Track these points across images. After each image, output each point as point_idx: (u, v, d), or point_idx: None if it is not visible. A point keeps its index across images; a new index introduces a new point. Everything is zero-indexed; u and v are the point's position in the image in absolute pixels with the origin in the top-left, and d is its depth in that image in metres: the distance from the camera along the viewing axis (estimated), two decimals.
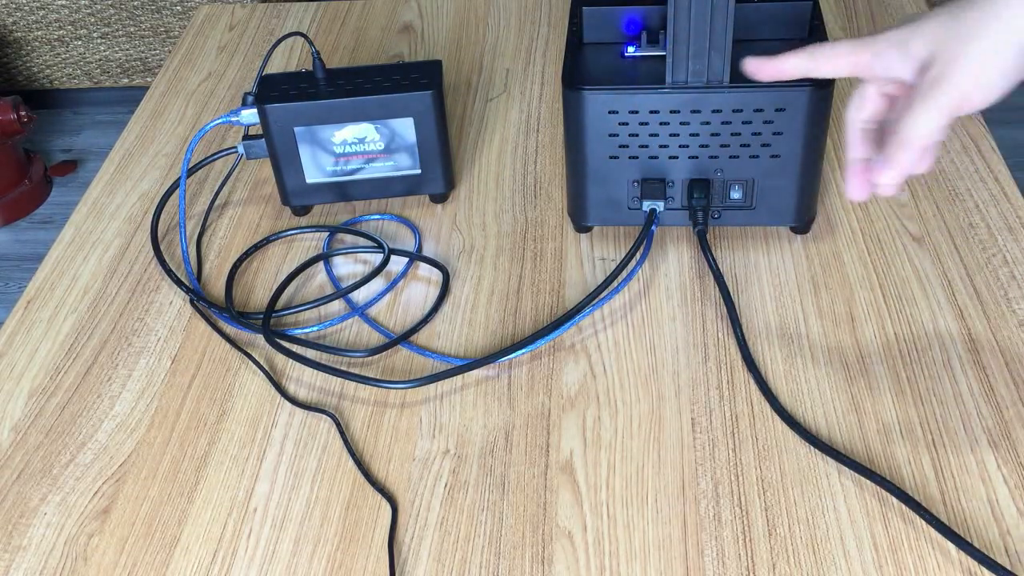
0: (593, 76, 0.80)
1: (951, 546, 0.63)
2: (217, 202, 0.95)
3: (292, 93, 0.87)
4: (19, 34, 2.50)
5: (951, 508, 0.65)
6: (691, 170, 0.82)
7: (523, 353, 0.77)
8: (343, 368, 0.77)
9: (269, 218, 0.94)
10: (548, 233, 0.89)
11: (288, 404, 0.76)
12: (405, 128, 0.87)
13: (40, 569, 0.67)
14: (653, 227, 0.84)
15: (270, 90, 0.87)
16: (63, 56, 2.53)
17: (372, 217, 0.92)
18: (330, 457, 0.72)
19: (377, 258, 0.87)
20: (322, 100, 0.86)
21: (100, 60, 2.54)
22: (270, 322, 0.81)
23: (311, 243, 0.90)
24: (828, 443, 0.69)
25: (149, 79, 2.54)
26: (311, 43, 0.90)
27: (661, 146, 0.81)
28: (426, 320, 0.81)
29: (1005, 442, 0.69)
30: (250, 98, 0.89)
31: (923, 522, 0.64)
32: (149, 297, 0.86)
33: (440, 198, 0.93)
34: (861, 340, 0.76)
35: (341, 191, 0.91)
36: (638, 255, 0.83)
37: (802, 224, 0.85)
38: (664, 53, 0.78)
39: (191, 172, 0.96)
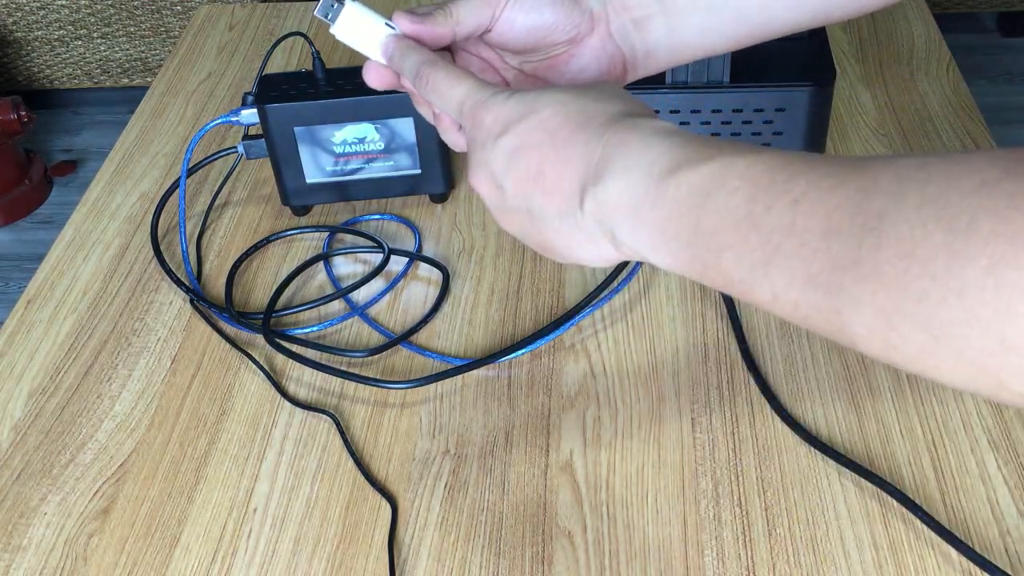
0: None
1: (951, 547, 0.63)
2: (217, 202, 0.95)
3: (292, 93, 0.87)
4: (19, 34, 2.49)
5: (951, 508, 0.65)
6: None
7: (523, 353, 0.77)
8: (343, 368, 0.77)
9: (269, 218, 0.94)
10: None
11: (288, 404, 0.76)
12: (405, 128, 0.87)
13: (40, 569, 0.67)
14: None
15: (270, 90, 0.87)
16: (63, 56, 2.53)
17: (372, 217, 0.92)
18: (330, 457, 0.72)
19: (377, 258, 0.87)
20: (322, 100, 0.86)
21: (100, 60, 2.54)
22: (270, 322, 0.80)
23: (311, 243, 0.90)
24: (828, 443, 0.69)
25: (149, 79, 2.54)
26: (311, 43, 0.90)
27: None
28: (426, 320, 0.81)
29: (1005, 442, 0.69)
30: (250, 98, 0.88)
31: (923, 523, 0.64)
32: (149, 297, 0.86)
33: (440, 198, 0.93)
34: None
35: (341, 191, 0.91)
36: None
37: None
38: None
39: (191, 172, 0.96)
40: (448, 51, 0.57)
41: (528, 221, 0.48)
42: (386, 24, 0.54)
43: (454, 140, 0.55)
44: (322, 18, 0.55)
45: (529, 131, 0.47)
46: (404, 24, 0.54)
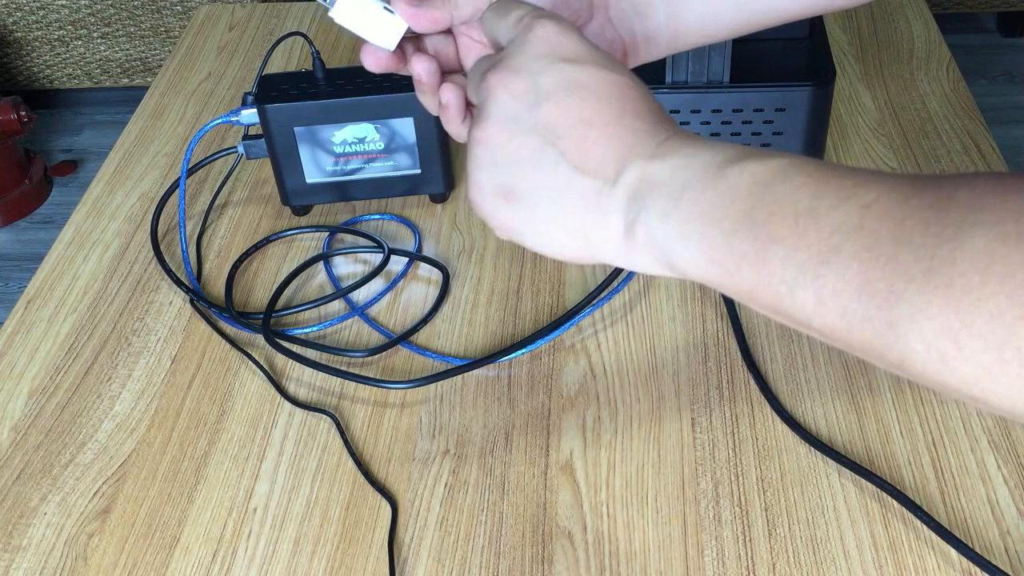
0: None
1: (951, 547, 0.63)
2: (217, 202, 0.95)
3: (292, 93, 0.87)
4: (19, 34, 2.49)
5: (951, 508, 0.65)
6: None
7: (523, 353, 0.77)
8: (343, 368, 0.77)
9: (269, 218, 0.94)
10: None
11: (288, 404, 0.76)
12: (405, 128, 0.87)
13: (40, 569, 0.67)
14: None
15: (270, 90, 0.87)
16: (63, 56, 2.53)
17: (372, 217, 0.92)
18: (330, 457, 0.72)
19: (377, 258, 0.87)
20: (322, 100, 0.86)
21: (100, 60, 2.54)
22: (270, 322, 0.80)
23: (311, 243, 0.90)
24: (828, 443, 0.69)
25: (149, 79, 2.54)
26: (311, 43, 0.90)
27: None
28: (426, 320, 0.81)
29: (1005, 442, 0.69)
30: (250, 98, 0.89)
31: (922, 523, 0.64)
32: (149, 297, 0.86)
33: (440, 198, 0.93)
34: None
35: (341, 191, 0.91)
36: None
37: None
38: None
39: (191, 172, 0.96)
40: (450, 35, 0.56)
41: (531, 150, 0.45)
42: (384, 8, 0.54)
43: (457, 131, 0.53)
44: (321, 1, 0.55)
45: (601, 83, 0.44)
46: (402, 7, 0.53)
